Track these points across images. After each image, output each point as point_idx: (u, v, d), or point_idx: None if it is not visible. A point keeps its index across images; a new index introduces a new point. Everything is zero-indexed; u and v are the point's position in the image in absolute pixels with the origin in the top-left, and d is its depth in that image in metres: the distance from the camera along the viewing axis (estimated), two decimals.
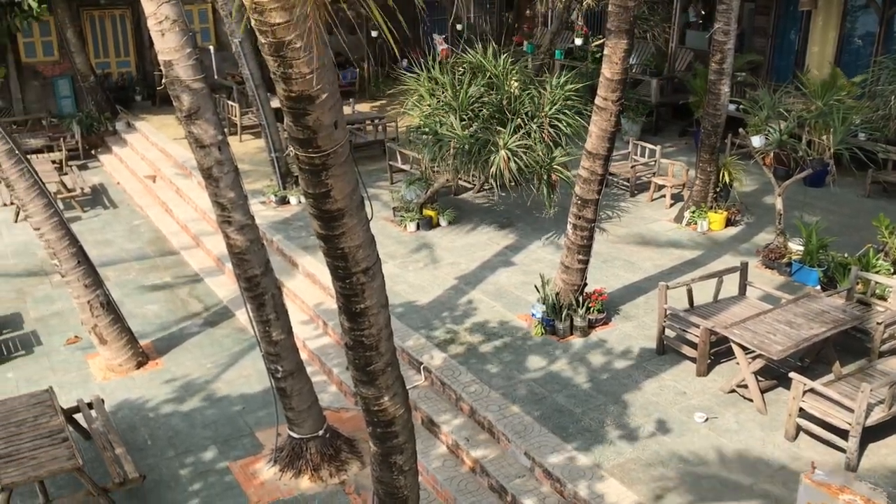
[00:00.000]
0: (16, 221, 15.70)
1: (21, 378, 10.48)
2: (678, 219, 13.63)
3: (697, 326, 9.17)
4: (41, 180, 10.14)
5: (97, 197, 17.37)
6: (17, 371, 10.66)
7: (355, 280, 5.03)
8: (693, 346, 9.31)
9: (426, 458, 8.42)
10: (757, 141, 11.80)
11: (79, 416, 9.07)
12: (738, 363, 8.79)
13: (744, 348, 8.64)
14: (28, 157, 10.31)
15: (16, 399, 8.68)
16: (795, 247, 11.70)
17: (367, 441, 6.21)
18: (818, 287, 10.82)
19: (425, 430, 8.92)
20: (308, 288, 12.04)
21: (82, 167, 19.10)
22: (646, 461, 7.86)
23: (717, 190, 13.39)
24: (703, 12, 19.08)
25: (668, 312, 9.56)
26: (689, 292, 9.81)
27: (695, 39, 19.19)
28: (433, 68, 12.99)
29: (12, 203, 15.91)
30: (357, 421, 9.29)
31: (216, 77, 21.36)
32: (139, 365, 10.70)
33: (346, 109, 18.87)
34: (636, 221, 13.77)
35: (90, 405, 9.08)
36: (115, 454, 8.31)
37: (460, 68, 13.06)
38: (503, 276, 11.80)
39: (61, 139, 19.21)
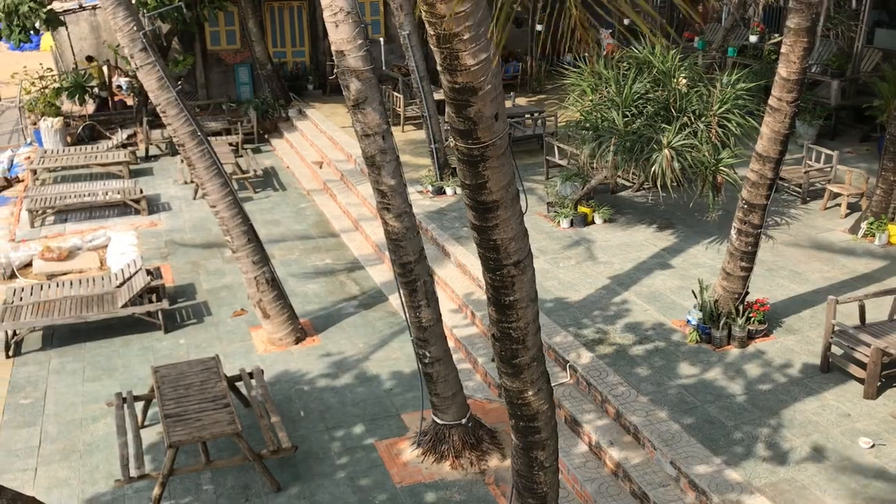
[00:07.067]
0: (195, 198, 16.87)
1: (191, 345, 11.27)
2: (854, 230, 12.76)
3: (868, 345, 8.56)
4: (219, 161, 10.82)
5: (268, 179, 18.35)
6: (188, 338, 11.46)
7: (506, 272, 5.05)
8: (862, 365, 8.70)
9: (567, 456, 8.35)
10: None
11: (240, 385, 9.65)
12: None
13: None
14: (208, 139, 11.02)
15: (186, 363, 9.35)
16: None
17: (509, 433, 6.23)
18: None
19: (568, 428, 8.84)
20: (458, 277, 12.20)
21: (256, 150, 20.25)
22: (801, 483, 7.43)
23: None
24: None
25: (836, 328, 8.98)
26: (862, 308, 9.16)
27: (885, 38, 17.84)
28: (598, 63, 12.79)
29: (192, 181, 17.10)
30: (500, 413, 9.35)
31: (383, 68, 22.01)
32: (297, 340, 11.23)
33: (507, 103, 18.93)
34: (806, 230, 13.01)
35: (251, 375, 9.62)
36: (271, 423, 8.78)
37: (625, 64, 12.78)
38: (658, 279, 11.47)
39: (238, 123, 20.48)
